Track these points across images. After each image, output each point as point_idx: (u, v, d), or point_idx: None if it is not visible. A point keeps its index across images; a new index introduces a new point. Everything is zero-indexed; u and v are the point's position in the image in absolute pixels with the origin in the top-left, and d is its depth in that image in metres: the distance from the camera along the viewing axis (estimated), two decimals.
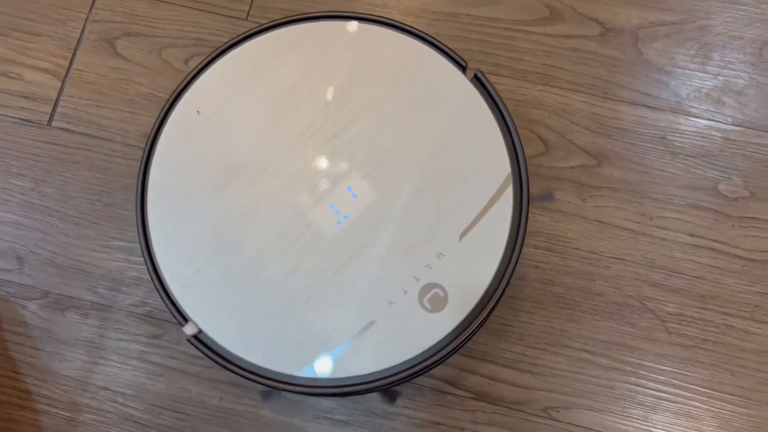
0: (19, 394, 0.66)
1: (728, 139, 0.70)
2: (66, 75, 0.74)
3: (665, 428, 0.64)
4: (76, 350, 0.67)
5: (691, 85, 0.72)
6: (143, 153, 0.53)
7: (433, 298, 0.49)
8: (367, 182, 0.51)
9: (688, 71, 0.72)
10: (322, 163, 0.52)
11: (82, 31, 0.75)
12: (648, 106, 0.71)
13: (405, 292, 0.49)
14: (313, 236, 0.50)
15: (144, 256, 0.51)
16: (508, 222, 0.50)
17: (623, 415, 0.65)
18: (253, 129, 0.53)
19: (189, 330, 0.49)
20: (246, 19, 0.75)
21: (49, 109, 0.73)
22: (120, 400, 0.66)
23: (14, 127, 0.73)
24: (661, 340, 0.66)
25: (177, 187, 0.52)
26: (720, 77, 0.72)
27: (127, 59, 0.74)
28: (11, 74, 0.74)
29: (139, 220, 0.52)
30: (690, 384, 0.65)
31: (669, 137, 0.70)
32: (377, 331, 0.48)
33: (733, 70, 0.72)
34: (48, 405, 0.66)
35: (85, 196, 0.71)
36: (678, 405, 0.65)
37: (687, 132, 0.71)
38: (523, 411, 0.65)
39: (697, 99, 0.71)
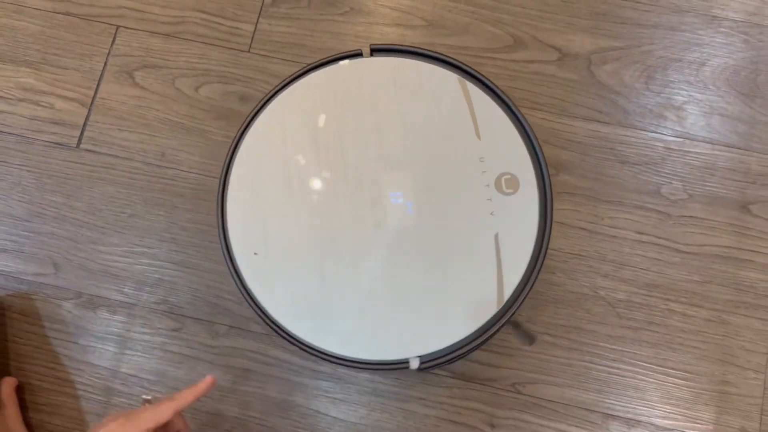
0: (59, 382, 0.77)
1: (669, 148, 0.81)
2: (91, 103, 0.84)
3: (617, 399, 0.75)
4: (107, 343, 0.78)
5: (637, 102, 0.83)
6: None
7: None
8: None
9: (634, 90, 0.83)
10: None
11: (105, 64, 0.85)
12: (600, 121, 0.82)
13: None
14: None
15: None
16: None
17: (581, 389, 0.75)
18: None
19: (414, 364, 0.60)
20: (248, 51, 0.86)
21: (77, 134, 0.83)
22: (146, 385, 0.76)
23: (47, 150, 0.83)
24: (613, 323, 0.77)
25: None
26: (662, 95, 0.83)
27: (145, 88, 0.85)
28: (43, 103, 0.84)
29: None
30: (637, 361, 0.76)
31: (618, 148, 0.81)
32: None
33: (673, 88, 0.83)
34: (84, 390, 0.76)
35: (110, 209, 0.81)
36: (627, 379, 0.75)
37: (634, 143, 0.81)
38: (493, 386, 0.75)
39: (642, 114, 0.82)
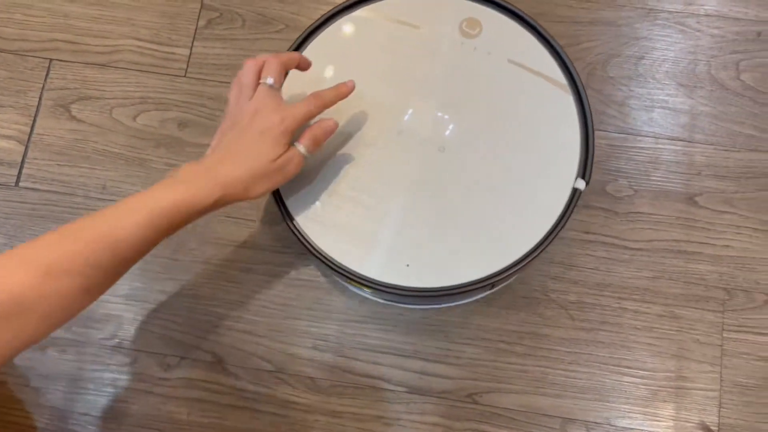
0: (10, 426, 0.76)
1: (613, 145, 0.81)
2: (28, 140, 0.83)
3: (575, 402, 0.74)
4: (58, 383, 0.76)
5: None
6: None
7: None
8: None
9: None
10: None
11: (40, 99, 0.84)
12: None
13: None
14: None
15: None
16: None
17: (538, 394, 0.75)
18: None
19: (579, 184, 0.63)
20: (185, 76, 0.85)
21: (15, 172, 0.82)
22: (100, 423, 0.75)
23: None
24: (566, 325, 0.76)
25: None
26: (603, 91, 0.82)
27: (82, 121, 0.83)
28: None
29: None
30: (593, 362, 0.75)
31: None
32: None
33: (614, 84, 0.83)
34: None
35: None
36: (584, 381, 0.75)
37: None
38: (450, 398, 0.75)
39: None
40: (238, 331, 0.77)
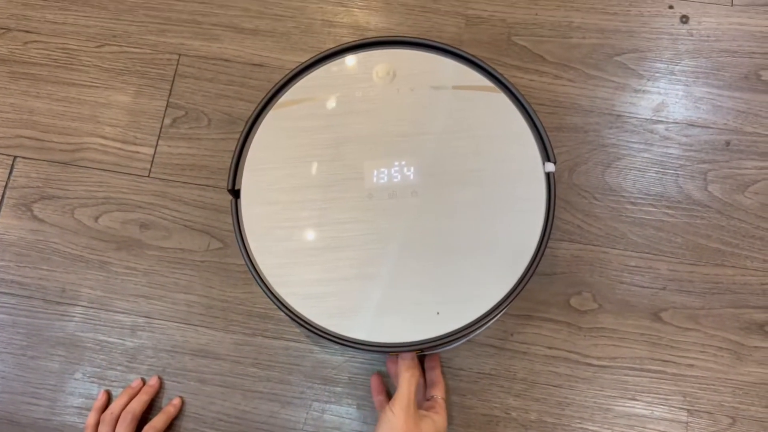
0: None
1: (577, 256, 0.80)
2: None
3: None
4: None
5: None
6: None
7: None
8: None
9: None
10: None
11: (2, 197, 0.84)
12: None
13: None
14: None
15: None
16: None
17: None
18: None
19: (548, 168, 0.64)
20: (148, 176, 0.84)
21: None
22: None
23: None
24: None
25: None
26: (568, 199, 0.81)
27: (43, 221, 0.83)
28: None
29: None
30: None
31: None
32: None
33: (579, 192, 0.82)
34: None
35: (10, 351, 0.79)
36: None
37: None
38: None
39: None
40: None
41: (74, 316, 0.80)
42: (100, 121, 0.86)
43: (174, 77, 0.87)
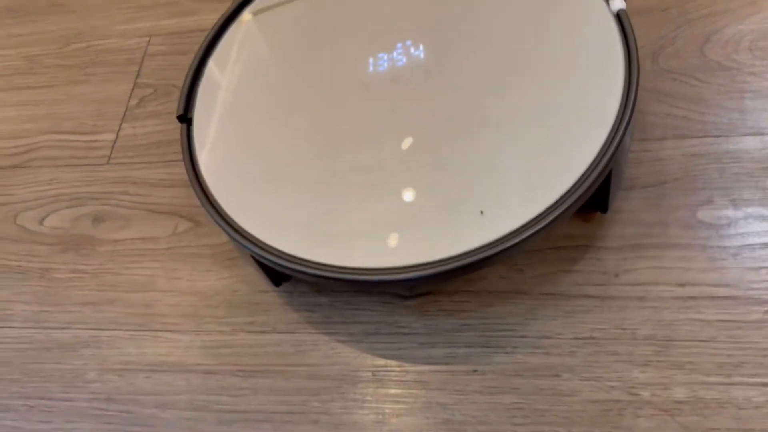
0: None
1: (693, 154, 0.53)
2: None
3: None
4: None
5: None
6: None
7: None
8: None
9: None
10: None
11: None
12: None
13: None
14: None
15: None
16: None
17: None
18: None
19: None
20: (107, 163, 0.67)
21: None
22: None
23: None
24: None
25: None
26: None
27: None
28: None
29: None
30: None
31: None
32: None
33: None
34: None
35: None
36: None
37: None
38: None
39: None
40: None
41: (2, 342, 0.59)
42: (58, 118, 0.72)
43: (143, 58, 0.73)
